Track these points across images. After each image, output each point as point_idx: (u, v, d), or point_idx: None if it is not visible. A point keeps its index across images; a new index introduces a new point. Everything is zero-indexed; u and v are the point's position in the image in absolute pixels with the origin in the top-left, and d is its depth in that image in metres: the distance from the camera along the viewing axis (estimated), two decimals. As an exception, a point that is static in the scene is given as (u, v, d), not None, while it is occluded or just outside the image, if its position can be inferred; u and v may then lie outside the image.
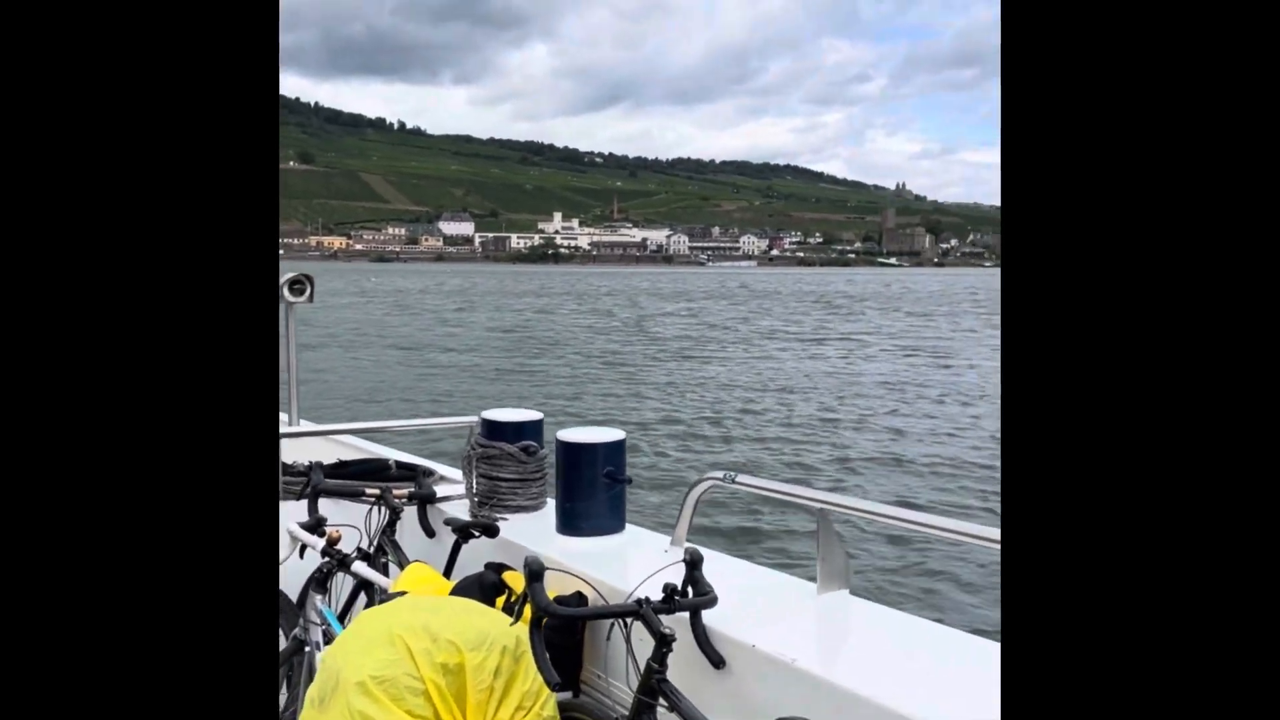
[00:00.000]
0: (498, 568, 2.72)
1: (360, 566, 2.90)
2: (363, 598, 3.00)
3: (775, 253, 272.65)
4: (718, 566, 2.40)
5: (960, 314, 49.89)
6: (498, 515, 3.13)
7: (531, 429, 3.30)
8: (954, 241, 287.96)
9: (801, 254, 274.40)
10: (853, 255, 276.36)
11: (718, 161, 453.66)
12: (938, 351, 28.61)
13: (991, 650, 2.14)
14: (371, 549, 3.15)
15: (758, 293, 78.82)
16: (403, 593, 2.57)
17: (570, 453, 2.99)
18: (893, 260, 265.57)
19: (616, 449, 3.01)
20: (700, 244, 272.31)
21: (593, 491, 2.96)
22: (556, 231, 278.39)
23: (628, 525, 3.04)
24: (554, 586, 2.31)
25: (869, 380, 20.60)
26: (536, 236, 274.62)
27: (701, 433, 13.70)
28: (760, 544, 7.91)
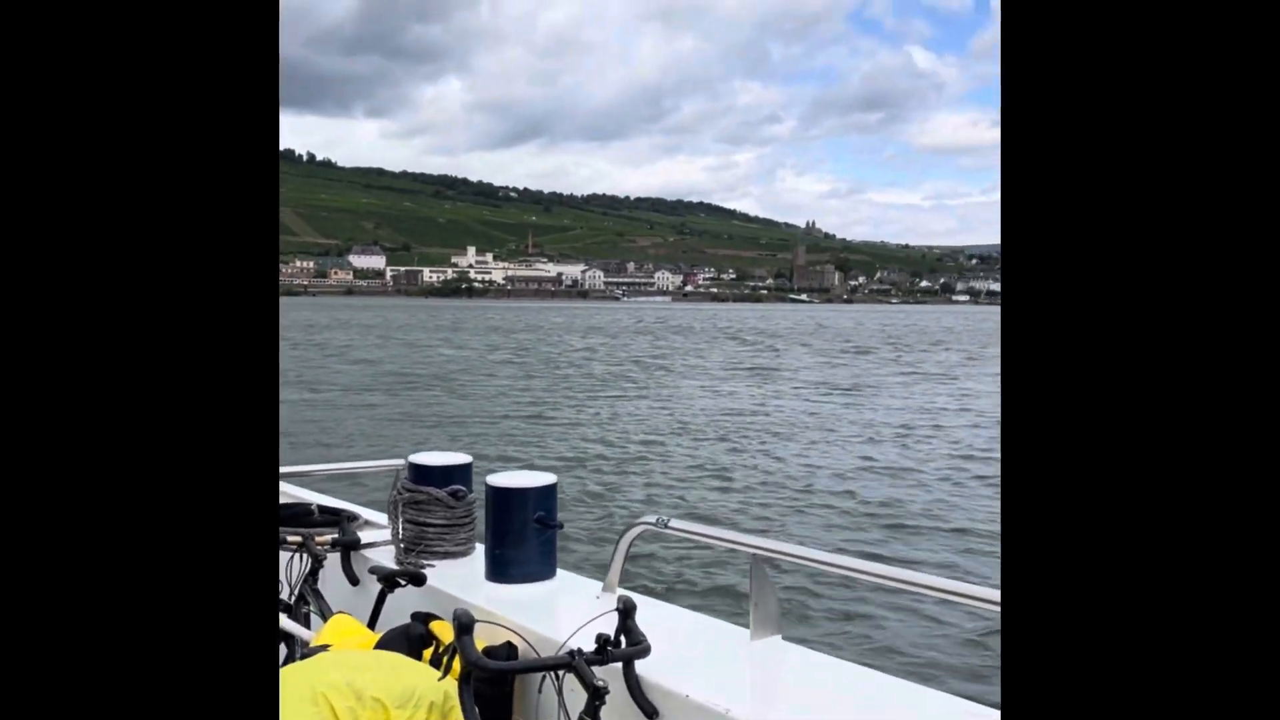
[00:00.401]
0: (424, 618, 2.64)
1: (280, 619, 2.78)
2: (283, 652, 2.88)
3: (690, 288, 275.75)
4: (651, 613, 2.38)
5: (878, 349, 51.13)
6: (425, 562, 3.05)
7: (460, 473, 3.24)
8: (862, 279, 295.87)
9: (715, 290, 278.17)
10: (765, 291, 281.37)
11: (633, 198, 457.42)
12: (863, 389, 29.17)
13: (925, 695, 2.19)
14: (292, 599, 3.04)
15: (678, 328, 79.39)
16: (326, 646, 2.48)
17: (500, 498, 2.94)
18: (804, 297, 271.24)
19: (548, 493, 2.97)
20: (616, 279, 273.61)
21: (523, 537, 2.92)
22: (470, 266, 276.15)
23: (559, 571, 3.00)
24: (483, 637, 2.27)
25: (801, 418, 20.88)
26: (449, 270, 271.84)
27: (635, 474, 13.65)
28: (694, 589, 7.90)
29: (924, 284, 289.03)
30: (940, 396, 27.49)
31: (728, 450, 16.12)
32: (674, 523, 2.65)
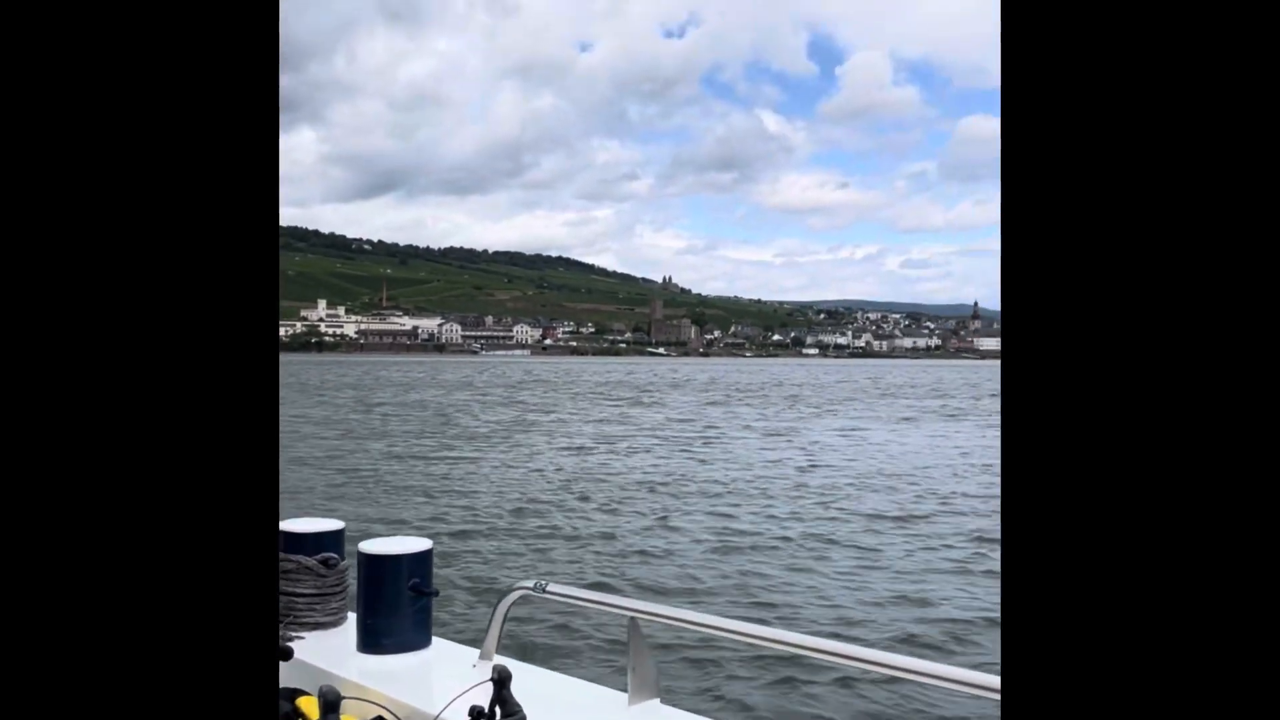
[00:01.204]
0: (291, 694, 2.54)
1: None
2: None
3: (549, 342, 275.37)
4: (528, 680, 2.36)
5: (748, 402, 52.20)
6: (293, 634, 2.95)
7: (331, 539, 3.15)
8: (717, 332, 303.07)
9: (575, 343, 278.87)
10: (624, 345, 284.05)
11: (491, 251, 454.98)
12: (717, 442, 29.64)
13: None
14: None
15: (551, 382, 78.89)
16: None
17: (373, 565, 2.87)
18: (661, 350, 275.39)
19: (423, 559, 2.92)
20: (473, 333, 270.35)
21: (396, 606, 2.85)
22: (320, 319, 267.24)
23: (435, 639, 2.95)
24: (353, 713, 2.22)
25: (679, 475, 21.00)
26: (299, 324, 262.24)
27: (513, 537, 13.41)
28: (575, 653, 7.83)
29: (776, 338, 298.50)
30: (790, 449, 28.25)
31: (605, 510, 16.04)
32: (552, 587, 2.64)
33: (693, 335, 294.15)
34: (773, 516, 15.83)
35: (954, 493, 19.07)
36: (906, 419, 40.46)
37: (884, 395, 63.34)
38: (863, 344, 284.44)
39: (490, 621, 2.71)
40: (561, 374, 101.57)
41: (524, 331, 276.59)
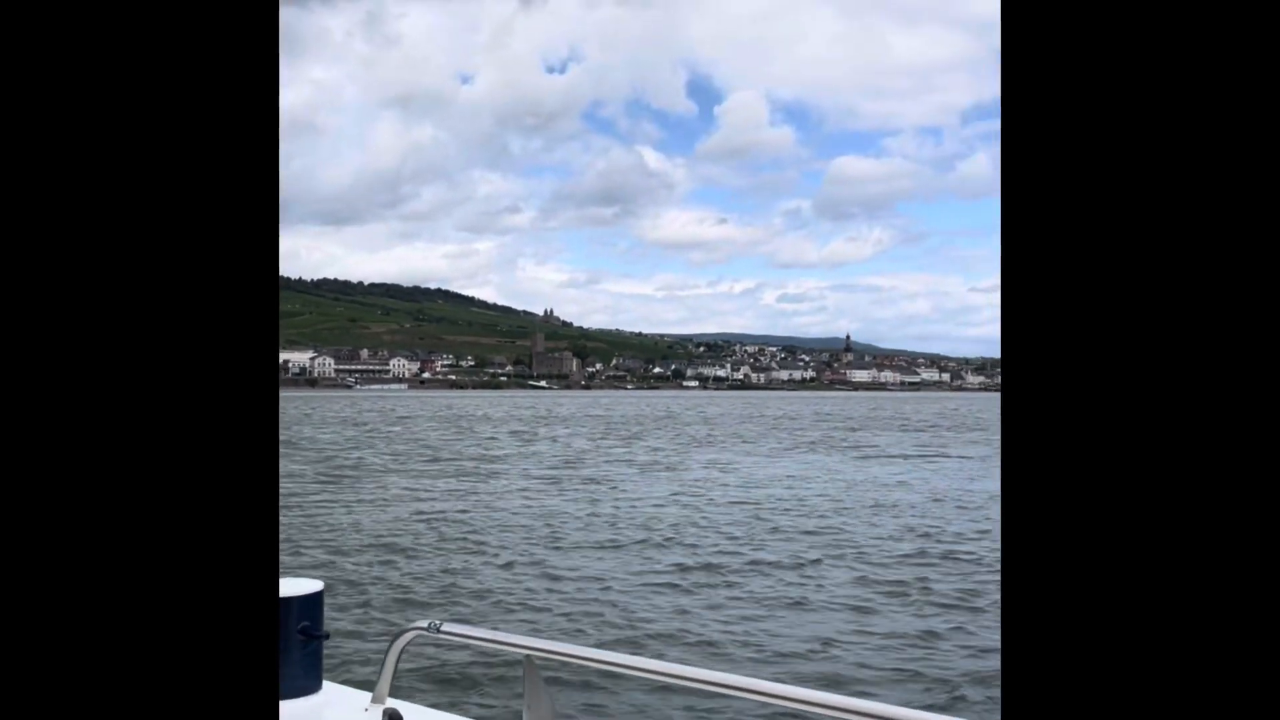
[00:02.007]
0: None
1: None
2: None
3: (427, 375, 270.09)
4: None
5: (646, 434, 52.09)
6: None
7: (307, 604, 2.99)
8: (599, 365, 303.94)
9: (454, 376, 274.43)
10: (504, 378, 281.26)
11: (367, 283, 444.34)
12: (604, 482, 29.52)
13: None
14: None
15: (420, 417, 77.13)
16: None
17: None
18: (543, 383, 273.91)
19: (313, 601, 2.80)
20: (348, 366, 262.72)
21: (286, 649, 2.73)
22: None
23: (326, 683, 2.82)
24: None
25: (576, 511, 20.70)
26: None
27: (407, 576, 12.96)
28: (471, 692, 7.62)
29: (657, 370, 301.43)
30: (667, 484, 28.40)
31: (502, 546, 15.81)
32: (447, 626, 2.58)
33: (574, 368, 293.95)
34: (664, 548, 15.86)
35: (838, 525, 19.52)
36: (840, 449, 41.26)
37: (775, 427, 64.53)
38: (741, 376, 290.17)
39: (383, 663, 2.63)
40: (441, 407, 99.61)
41: (401, 365, 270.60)
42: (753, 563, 14.71)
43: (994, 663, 9.67)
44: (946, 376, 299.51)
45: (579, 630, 10.67)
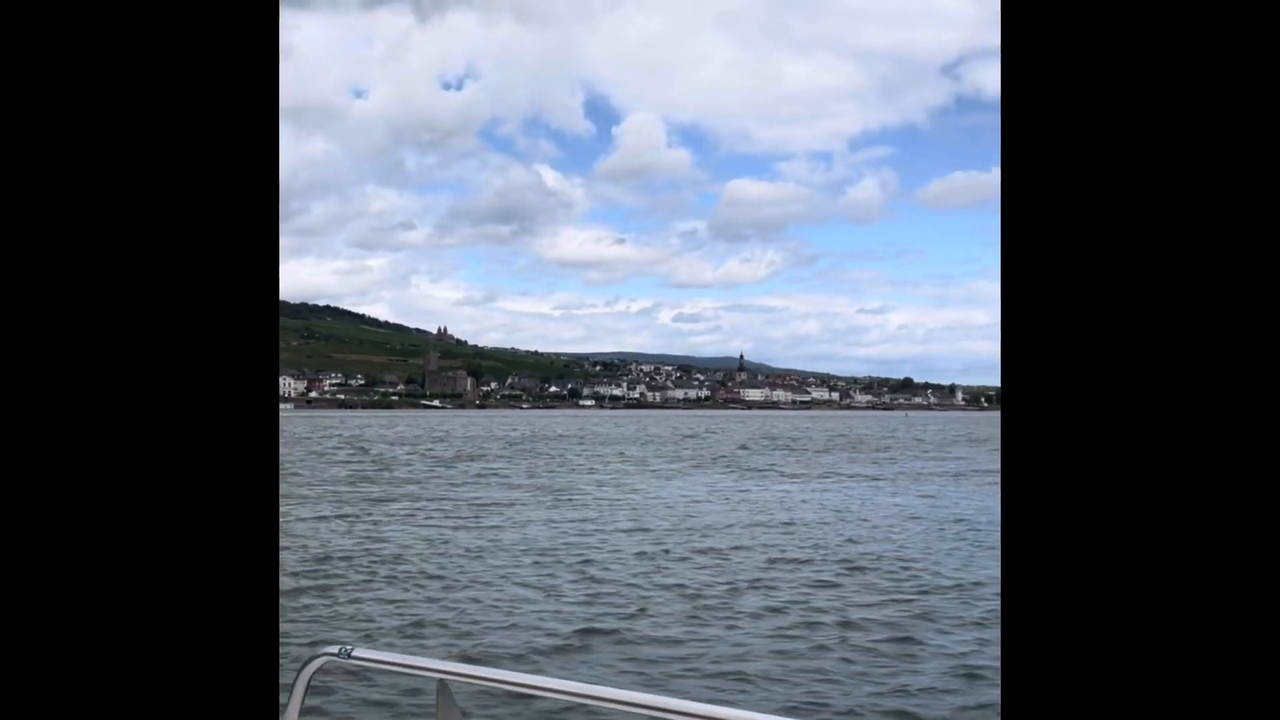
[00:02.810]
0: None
1: None
2: None
3: (314, 394, 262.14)
4: None
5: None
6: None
7: None
8: (494, 384, 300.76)
9: (343, 395, 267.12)
10: (396, 397, 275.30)
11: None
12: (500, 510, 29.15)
13: None
14: None
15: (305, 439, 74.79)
16: None
17: None
18: (436, 402, 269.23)
19: None
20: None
21: None
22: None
23: None
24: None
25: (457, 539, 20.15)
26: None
27: (312, 602, 12.35)
28: (386, 717, 7.31)
29: (553, 389, 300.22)
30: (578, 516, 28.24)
31: (410, 570, 15.42)
32: (358, 651, 2.46)
33: (469, 387, 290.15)
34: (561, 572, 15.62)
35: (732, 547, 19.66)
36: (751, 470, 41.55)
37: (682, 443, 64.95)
38: (637, 395, 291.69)
39: (291, 692, 2.43)
40: (321, 429, 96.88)
41: (287, 383, 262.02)
42: (673, 585, 14.69)
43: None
44: (836, 395, 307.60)
45: (492, 653, 10.43)
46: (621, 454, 53.89)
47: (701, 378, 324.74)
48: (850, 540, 20.48)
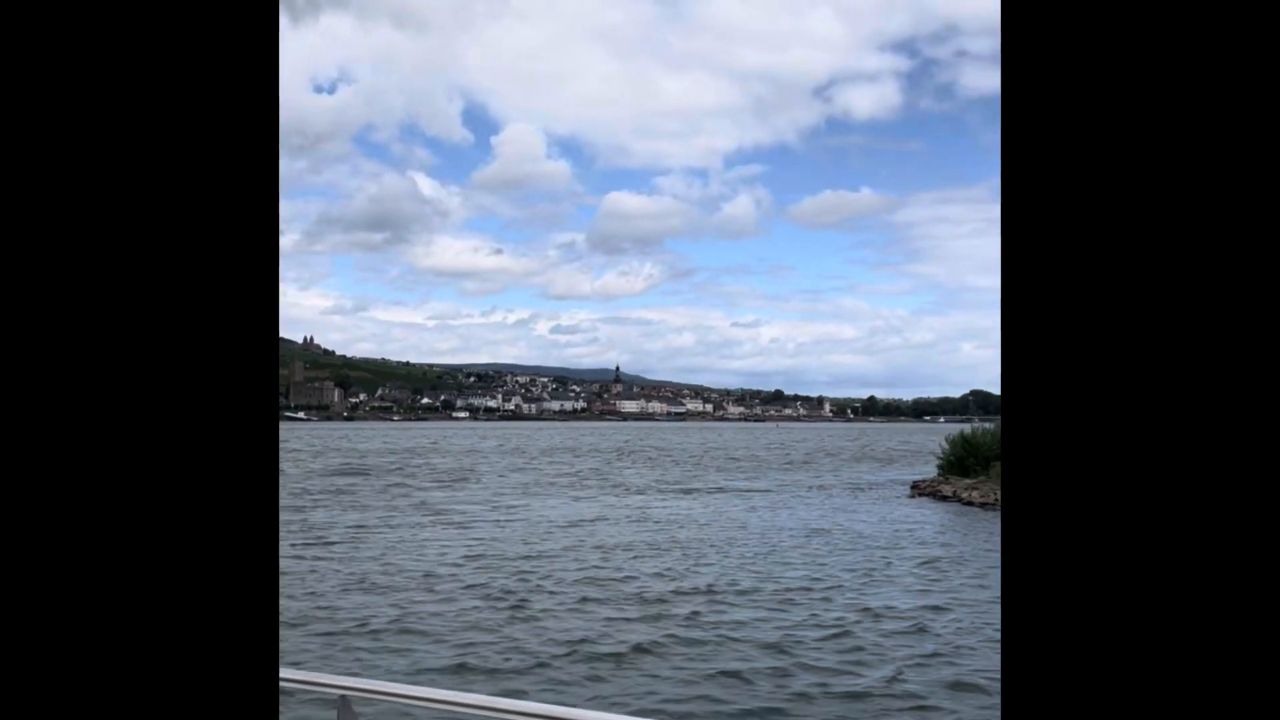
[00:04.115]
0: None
1: None
2: None
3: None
4: None
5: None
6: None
7: None
8: (363, 396, 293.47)
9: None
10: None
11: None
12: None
13: None
14: None
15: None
16: None
17: None
18: (301, 414, 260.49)
19: None
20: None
21: None
22: None
23: None
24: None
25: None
26: None
27: None
28: None
29: (425, 401, 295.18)
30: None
31: (312, 586, 15.26)
32: None
33: (336, 398, 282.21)
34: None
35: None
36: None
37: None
38: (512, 407, 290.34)
39: None
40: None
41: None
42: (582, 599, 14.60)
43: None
44: (709, 407, 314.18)
45: (395, 668, 10.30)
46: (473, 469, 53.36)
47: (578, 389, 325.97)
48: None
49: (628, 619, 13.90)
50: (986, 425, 40.67)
